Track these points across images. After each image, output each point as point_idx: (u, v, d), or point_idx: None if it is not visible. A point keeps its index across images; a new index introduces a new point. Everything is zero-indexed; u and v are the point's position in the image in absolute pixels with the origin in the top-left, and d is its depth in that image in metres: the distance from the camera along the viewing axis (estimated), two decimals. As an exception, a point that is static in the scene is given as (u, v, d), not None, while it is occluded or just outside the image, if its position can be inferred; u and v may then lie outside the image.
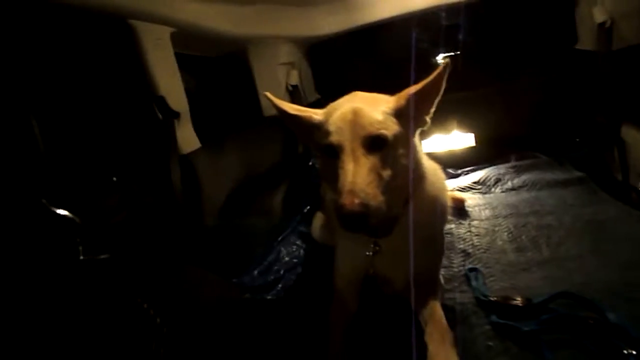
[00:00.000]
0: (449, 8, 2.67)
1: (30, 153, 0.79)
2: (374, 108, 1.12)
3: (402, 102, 1.16)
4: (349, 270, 1.41)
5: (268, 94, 1.25)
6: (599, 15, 2.09)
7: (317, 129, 1.17)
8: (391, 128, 1.11)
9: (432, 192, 1.35)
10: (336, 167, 1.06)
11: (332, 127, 1.10)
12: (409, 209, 1.24)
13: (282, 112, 1.25)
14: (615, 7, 2.02)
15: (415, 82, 1.20)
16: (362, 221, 0.98)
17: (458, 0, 2.53)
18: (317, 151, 1.21)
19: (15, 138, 0.79)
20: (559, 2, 2.54)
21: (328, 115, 1.15)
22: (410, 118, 1.17)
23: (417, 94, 1.16)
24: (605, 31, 2.06)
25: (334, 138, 1.08)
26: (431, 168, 1.43)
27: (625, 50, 2.04)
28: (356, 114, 1.10)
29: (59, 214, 0.77)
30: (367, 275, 1.31)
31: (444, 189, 1.54)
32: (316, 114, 1.21)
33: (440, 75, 1.15)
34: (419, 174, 1.27)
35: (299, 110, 1.24)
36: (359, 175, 1.01)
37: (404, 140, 1.15)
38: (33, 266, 0.70)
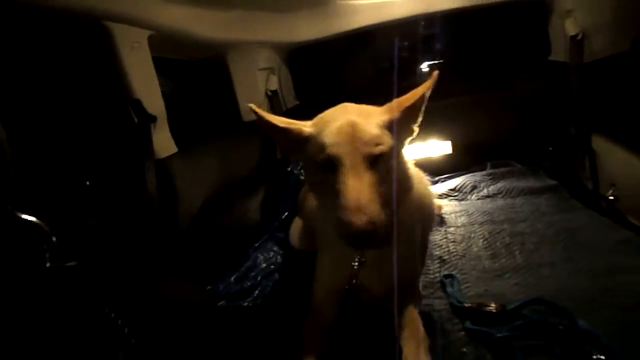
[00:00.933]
0: (427, 17, 2.71)
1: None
2: (370, 121, 1.11)
3: (395, 114, 1.15)
4: (330, 280, 1.39)
5: (254, 106, 1.19)
6: (571, 28, 2.15)
7: (308, 143, 1.14)
8: (387, 142, 1.10)
9: (419, 201, 1.35)
10: (333, 182, 1.03)
11: (329, 141, 1.07)
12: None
13: (270, 125, 1.19)
14: (587, 21, 2.09)
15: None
16: (370, 238, 0.97)
17: (435, 10, 2.58)
18: (308, 165, 1.18)
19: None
20: (533, 15, 2.61)
21: (320, 128, 1.12)
22: (402, 130, 1.18)
23: (410, 104, 1.17)
24: (577, 43, 2.13)
25: (332, 152, 1.05)
26: (417, 177, 1.44)
27: (597, 62, 2.10)
28: (354, 127, 1.07)
29: (24, 220, 0.75)
30: (350, 285, 1.30)
31: (430, 196, 1.55)
32: (305, 127, 1.18)
33: (429, 87, 1.17)
34: (407, 185, 1.27)
35: (288, 123, 1.20)
36: (362, 192, 0.99)
37: (396, 153, 1.15)
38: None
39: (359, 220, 0.95)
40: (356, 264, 1.25)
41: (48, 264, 0.71)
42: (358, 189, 1.00)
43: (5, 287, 0.62)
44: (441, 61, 3.10)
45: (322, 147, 1.07)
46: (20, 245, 0.73)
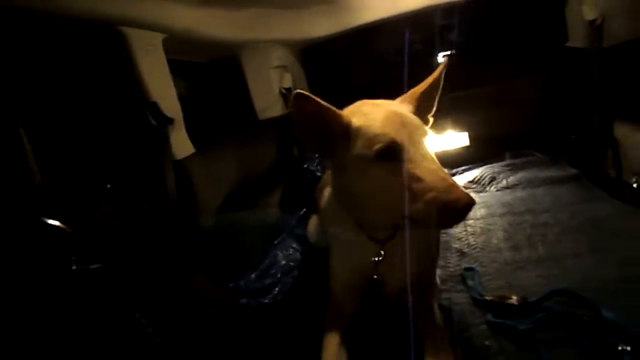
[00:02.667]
0: (440, 8, 2.68)
1: (18, 163, 0.78)
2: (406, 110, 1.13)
3: (415, 103, 1.17)
4: (347, 275, 1.38)
5: (303, 92, 1.04)
6: (589, 13, 2.09)
7: (354, 136, 1.08)
8: None
9: None
10: (398, 171, 1.00)
11: (385, 129, 1.04)
12: None
13: (320, 110, 1.08)
14: (606, 4, 2.02)
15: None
16: (469, 210, 0.94)
17: (449, 0, 2.54)
18: (352, 161, 1.10)
19: (2, 148, 0.79)
20: (549, 0, 2.55)
21: (362, 121, 1.08)
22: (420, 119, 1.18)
23: (423, 93, 1.18)
24: (595, 28, 2.07)
25: (395, 139, 1.02)
26: None
27: (617, 47, 2.05)
28: (400, 115, 1.08)
29: (50, 225, 0.77)
30: (371, 280, 1.29)
31: None
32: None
33: (440, 73, 1.18)
34: None
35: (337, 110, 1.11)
36: (442, 171, 0.99)
37: None
38: (25, 278, 0.70)
39: (463, 194, 0.93)
40: (376, 259, 1.25)
41: (74, 267, 0.74)
42: (437, 169, 0.99)
43: (33, 290, 0.64)
44: (455, 52, 3.06)
45: (378, 137, 1.04)
46: (46, 249, 0.75)
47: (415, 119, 1.09)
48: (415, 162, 1.00)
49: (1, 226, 0.73)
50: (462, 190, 0.94)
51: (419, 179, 0.98)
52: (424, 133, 1.08)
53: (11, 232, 0.74)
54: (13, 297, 0.64)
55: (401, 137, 1.03)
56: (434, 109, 1.24)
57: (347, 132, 1.10)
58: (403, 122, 1.06)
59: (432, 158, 1.03)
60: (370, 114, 1.10)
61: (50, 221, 0.77)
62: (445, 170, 1.01)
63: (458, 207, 0.93)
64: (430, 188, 0.95)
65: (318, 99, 1.07)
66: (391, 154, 1.03)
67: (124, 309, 0.64)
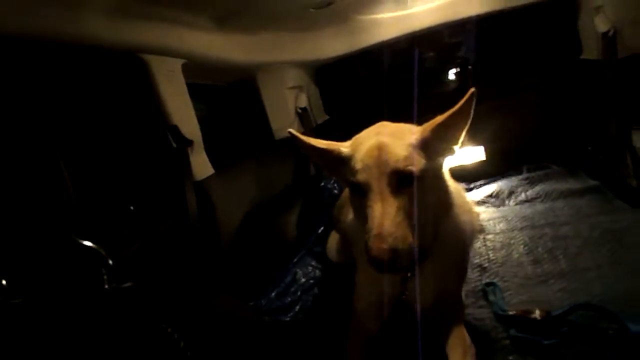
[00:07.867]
0: (452, 25, 2.71)
1: (58, 189, 0.82)
2: (400, 142, 1.08)
3: (428, 134, 1.10)
4: (371, 293, 1.37)
5: (293, 131, 1.21)
6: (602, 25, 2.10)
7: (345, 164, 1.15)
8: (418, 162, 1.06)
9: (461, 217, 1.34)
10: (364, 205, 1.05)
11: (358, 165, 1.08)
12: (440, 237, 1.24)
13: (309, 148, 1.22)
14: (618, 16, 2.03)
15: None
16: (390, 265, 0.97)
17: (461, 17, 2.57)
18: (346, 186, 1.19)
19: (45, 176, 0.83)
20: (561, 14, 2.57)
21: (354, 150, 1.13)
22: (436, 150, 1.14)
23: (443, 124, 1.11)
24: (609, 40, 2.07)
25: (361, 177, 1.06)
26: (456, 190, 1.38)
27: (632, 57, 2.04)
28: (381, 149, 1.06)
29: (85, 246, 0.81)
30: (399, 299, 1.29)
31: (470, 210, 1.52)
32: (344, 147, 1.18)
33: (467, 104, 1.09)
34: (448, 202, 1.26)
35: (326, 144, 1.21)
36: (387, 217, 0.99)
37: (432, 172, 1.13)
38: (64, 297, 0.73)
39: (379, 248, 0.96)
40: (407, 275, 1.25)
41: (106, 286, 0.77)
42: (382, 214, 1.00)
43: (70, 307, 0.67)
44: (469, 67, 3.08)
45: (353, 171, 1.09)
46: (81, 269, 0.79)
47: (395, 155, 1.05)
48: (373, 202, 1.03)
49: (43, 249, 0.77)
50: (383, 245, 0.96)
51: (368, 219, 1.02)
52: (401, 170, 1.04)
53: (51, 254, 0.78)
54: (52, 314, 0.68)
55: (370, 176, 1.05)
56: (460, 140, 1.16)
57: (344, 159, 1.16)
58: (380, 159, 1.05)
59: (391, 201, 1.02)
60: (361, 145, 1.12)
61: (86, 243, 0.81)
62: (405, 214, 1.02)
63: (369, 257, 0.98)
64: (368, 231, 1.00)
65: (306, 139, 1.20)
66: (358, 189, 1.08)
67: (157, 324, 0.66)
